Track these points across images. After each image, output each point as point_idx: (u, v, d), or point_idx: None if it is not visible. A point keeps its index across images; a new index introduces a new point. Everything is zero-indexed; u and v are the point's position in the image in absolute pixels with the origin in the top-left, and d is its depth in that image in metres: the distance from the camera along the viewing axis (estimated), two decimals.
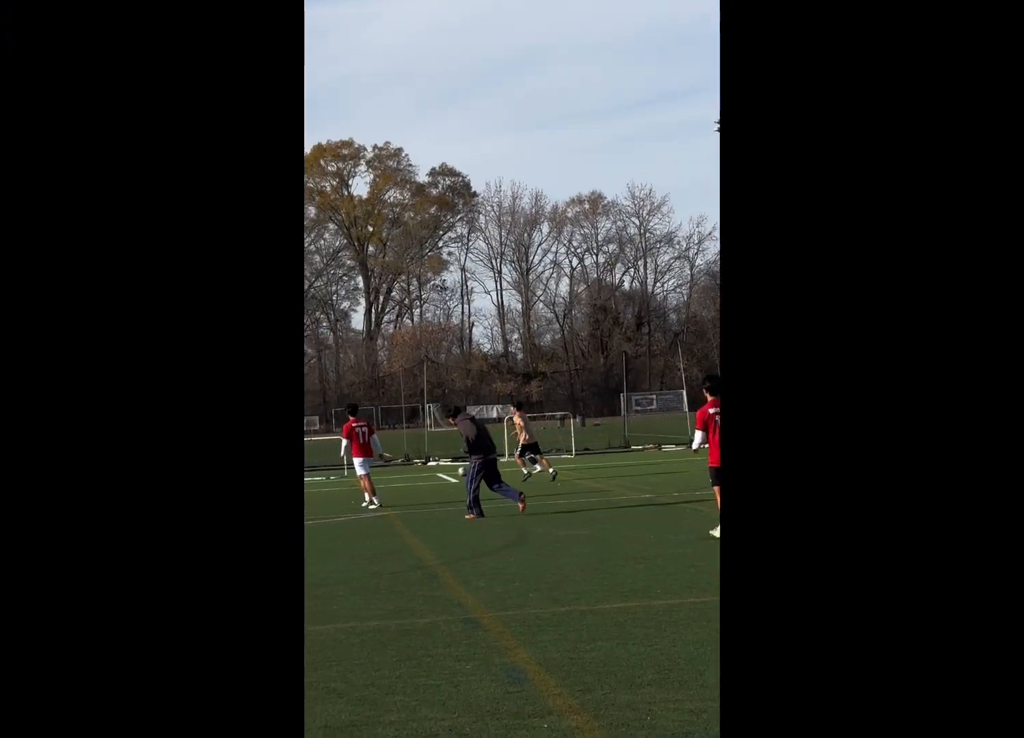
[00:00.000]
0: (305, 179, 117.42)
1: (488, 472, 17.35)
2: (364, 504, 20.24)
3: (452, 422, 18.45)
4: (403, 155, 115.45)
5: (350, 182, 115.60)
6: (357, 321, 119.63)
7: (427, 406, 65.06)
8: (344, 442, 21.25)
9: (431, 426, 65.52)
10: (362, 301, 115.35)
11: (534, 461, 26.06)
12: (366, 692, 6.57)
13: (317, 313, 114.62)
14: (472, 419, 18.02)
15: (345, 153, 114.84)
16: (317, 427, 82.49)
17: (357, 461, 20.72)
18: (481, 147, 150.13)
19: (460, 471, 27.87)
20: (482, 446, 17.46)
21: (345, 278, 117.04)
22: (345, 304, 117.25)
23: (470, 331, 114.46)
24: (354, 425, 20.80)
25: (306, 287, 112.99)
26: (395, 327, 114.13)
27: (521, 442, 26.10)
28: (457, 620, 8.68)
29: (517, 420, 26.29)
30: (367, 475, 20.58)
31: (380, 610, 9.32)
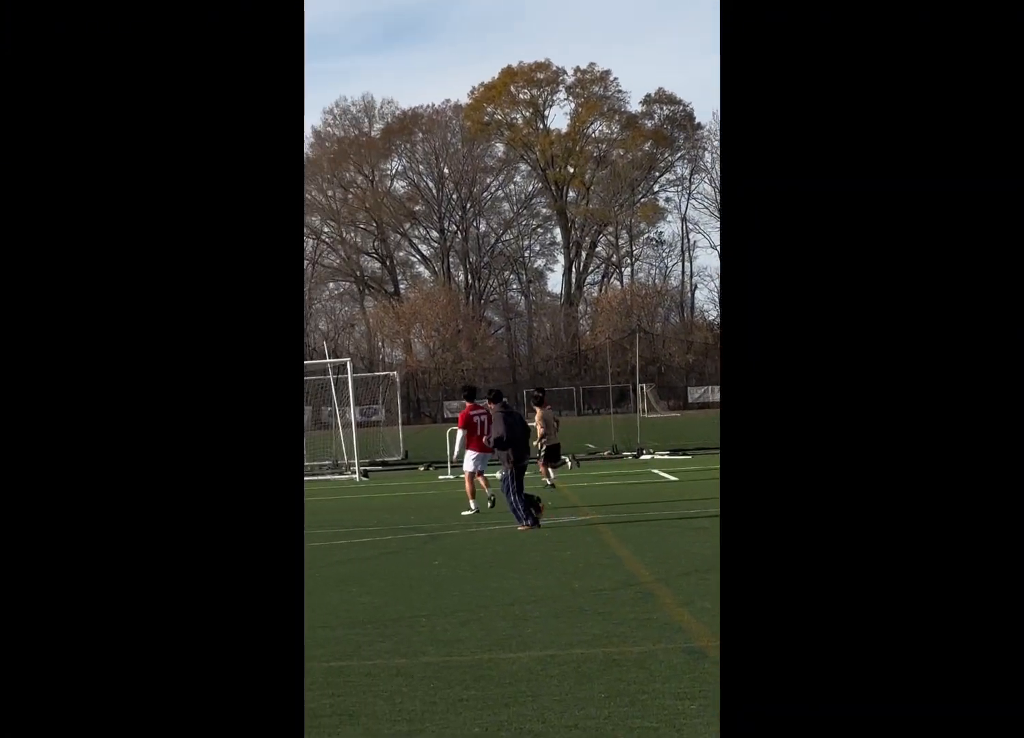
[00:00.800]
0: (490, 110, 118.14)
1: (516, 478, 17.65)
2: (468, 511, 20.02)
3: (491, 407, 18.59)
4: (611, 79, 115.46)
5: (546, 113, 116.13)
6: (554, 282, 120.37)
7: (640, 387, 64.99)
8: (460, 433, 20.83)
9: (644, 411, 65.55)
10: (560, 258, 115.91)
11: (555, 467, 25.91)
12: (568, 735, 6.62)
13: (506, 273, 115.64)
14: (510, 413, 18.25)
15: (540, 77, 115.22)
16: None
17: (471, 455, 20.41)
18: (707, 68, 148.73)
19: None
20: (517, 447, 17.69)
21: (540, 230, 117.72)
22: (540, 262, 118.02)
23: (692, 295, 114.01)
24: (472, 413, 20.51)
25: (493, 240, 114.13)
26: (600, 290, 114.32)
27: (544, 444, 25.79)
28: (678, 649, 8.68)
29: (538, 417, 25.94)
30: (475, 473, 20.44)
31: (584, 635, 9.38)
